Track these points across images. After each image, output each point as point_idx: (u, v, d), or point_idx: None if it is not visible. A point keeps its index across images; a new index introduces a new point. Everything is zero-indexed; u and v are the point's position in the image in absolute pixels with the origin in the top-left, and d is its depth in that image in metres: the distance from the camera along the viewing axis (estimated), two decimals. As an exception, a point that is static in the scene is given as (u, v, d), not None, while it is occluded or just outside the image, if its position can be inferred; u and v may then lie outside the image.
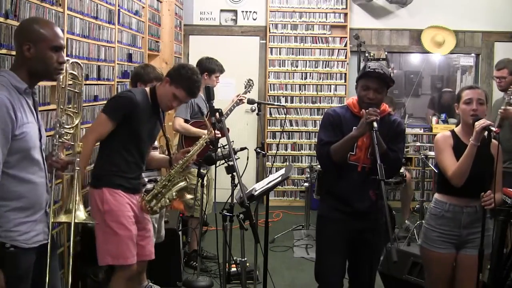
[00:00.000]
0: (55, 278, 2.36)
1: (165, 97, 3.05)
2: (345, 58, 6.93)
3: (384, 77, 2.77)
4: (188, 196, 3.27)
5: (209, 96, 3.09)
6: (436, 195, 3.01)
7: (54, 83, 2.32)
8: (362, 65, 6.52)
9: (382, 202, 2.39)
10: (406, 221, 5.62)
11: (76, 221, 2.26)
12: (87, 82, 3.73)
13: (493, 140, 2.78)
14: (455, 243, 2.91)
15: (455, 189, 2.83)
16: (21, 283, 2.13)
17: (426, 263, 3.05)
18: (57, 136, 2.24)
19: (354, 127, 2.79)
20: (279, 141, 6.83)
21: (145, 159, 3.15)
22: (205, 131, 4.45)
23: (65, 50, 3.29)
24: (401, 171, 5.13)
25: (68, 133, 2.26)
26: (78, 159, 2.29)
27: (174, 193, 3.12)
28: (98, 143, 3.04)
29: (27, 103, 2.11)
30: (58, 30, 2.16)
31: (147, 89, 3.12)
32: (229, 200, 3.03)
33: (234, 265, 3.64)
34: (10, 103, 1.99)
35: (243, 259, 2.98)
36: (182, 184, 3.14)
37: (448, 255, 2.90)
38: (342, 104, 3.03)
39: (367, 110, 2.67)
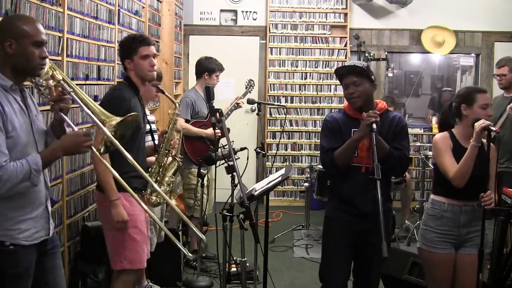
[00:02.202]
0: (58, 277, 2.36)
1: (141, 70, 3.00)
2: (345, 58, 6.92)
3: (354, 68, 2.80)
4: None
5: (209, 96, 3.08)
6: (433, 196, 3.00)
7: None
8: (362, 65, 6.51)
9: (381, 201, 2.39)
10: (406, 221, 5.62)
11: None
12: (87, 82, 3.73)
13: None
14: (454, 243, 2.91)
15: (453, 190, 2.83)
16: (21, 281, 2.12)
17: (427, 266, 3.03)
18: (39, 88, 2.19)
19: (352, 129, 2.81)
20: (279, 141, 6.83)
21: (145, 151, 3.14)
22: (206, 131, 4.50)
23: (64, 49, 3.34)
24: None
25: (46, 79, 2.20)
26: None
27: (170, 178, 3.09)
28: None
29: (15, 100, 2.11)
30: (40, 25, 2.15)
31: (122, 81, 3.09)
32: (229, 200, 3.03)
33: (234, 265, 3.64)
34: None
35: (243, 259, 2.97)
36: (174, 165, 3.13)
37: (448, 255, 2.90)
38: (339, 108, 3.08)
39: (367, 113, 2.67)
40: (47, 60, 2.19)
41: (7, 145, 2.01)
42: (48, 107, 3.07)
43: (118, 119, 2.16)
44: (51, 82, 2.18)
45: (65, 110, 2.19)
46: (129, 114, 2.21)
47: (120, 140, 2.17)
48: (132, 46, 2.98)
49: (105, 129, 2.12)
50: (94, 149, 2.16)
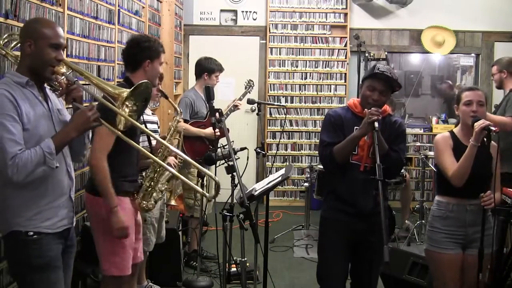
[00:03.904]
0: (68, 276, 2.40)
1: (154, 75, 3.01)
2: (345, 58, 6.93)
3: (392, 80, 2.78)
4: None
5: (209, 96, 3.09)
6: (438, 197, 3.00)
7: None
8: (362, 65, 6.52)
9: (382, 203, 2.39)
10: (406, 221, 5.62)
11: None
12: (88, 82, 3.73)
13: (492, 142, 2.79)
14: (461, 243, 2.90)
15: (456, 189, 2.83)
16: (48, 272, 2.18)
17: (435, 266, 3.01)
18: (50, 85, 2.29)
19: (355, 127, 2.80)
20: (279, 141, 6.83)
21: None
22: (205, 130, 4.50)
23: (64, 49, 3.34)
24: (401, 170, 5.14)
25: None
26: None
27: (164, 184, 3.06)
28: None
29: (33, 94, 2.18)
30: (59, 30, 2.24)
31: (122, 82, 3.04)
32: (229, 200, 3.03)
33: (234, 265, 3.64)
34: (10, 94, 2.08)
35: (243, 259, 2.97)
36: (168, 172, 3.11)
37: (456, 255, 2.90)
38: (343, 105, 3.06)
39: (369, 110, 2.68)
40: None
41: (26, 137, 2.09)
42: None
43: (128, 90, 2.16)
44: (58, 76, 2.24)
45: (78, 98, 2.24)
46: (139, 82, 2.21)
47: (145, 103, 2.23)
48: (158, 49, 2.99)
49: (119, 111, 2.13)
50: (103, 121, 2.19)
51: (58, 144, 2.14)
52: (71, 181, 2.35)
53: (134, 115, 2.17)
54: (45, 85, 2.28)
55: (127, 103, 2.14)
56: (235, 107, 4.73)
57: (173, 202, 3.69)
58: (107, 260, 2.86)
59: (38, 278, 2.16)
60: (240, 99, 4.76)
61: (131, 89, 2.15)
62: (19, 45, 2.28)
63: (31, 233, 2.15)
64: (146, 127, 3.30)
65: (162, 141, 2.58)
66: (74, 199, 3.36)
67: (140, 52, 2.96)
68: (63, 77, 2.21)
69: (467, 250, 2.90)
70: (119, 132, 2.18)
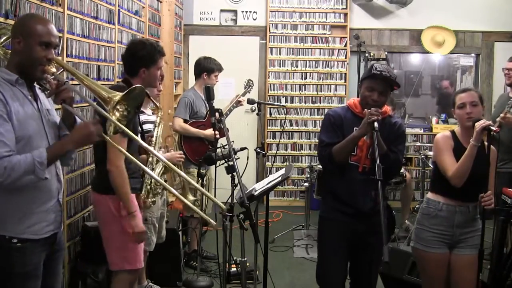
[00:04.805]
0: (57, 282, 2.34)
1: (153, 81, 3.02)
2: (345, 58, 6.92)
3: (390, 80, 2.77)
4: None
5: (209, 96, 3.08)
6: (429, 195, 3.00)
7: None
8: (362, 65, 6.52)
9: (381, 203, 2.40)
10: (406, 221, 5.62)
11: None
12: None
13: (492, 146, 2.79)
14: (448, 243, 2.91)
15: (450, 189, 2.84)
16: (30, 282, 2.11)
17: (422, 265, 3.03)
18: (40, 84, 2.22)
19: (355, 127, 2.79)
20: (279, 141, 6.83)
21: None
22: (204, 131, 4.50)
23: (64, 49, 3.33)
24: (401, 171, 5.14)
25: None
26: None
27: (159, 177, 3.06)
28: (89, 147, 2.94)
29: (23, 93, 2.11)
30: (52, 28, 2.16)
31: (121, 83, 3.03)
32: (229, 200, 3.03)
33: (234, 265, 3.64)
34: None
35: (243, 259, 2.97)
36: (161, 166, 3.15)
37: (443, 255, 2.90)
38: (342, 105, 3.07)
39: (369, 110, 2.67)
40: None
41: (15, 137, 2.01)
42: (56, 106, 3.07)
43: (121, 94, 2.08)
44: (48, 76, 2.17)
45: (68, 100, 2.17)
46: (133, 87, 2.12)
47: (137, 109, 2.16)
48: (154, 58, 2.95)
49: (109, 116, 2.05)
50: (107, 137, 2.12)
51: (52, 155, 2.05)
52: (60, 185, 2.28)
53: (124, 121, 2.08)
54: (35, 84, 2.21)
55: (118, 107, 2.06)
56: (238, 103, 4.73)
57: (190, 197, 3.70)
58: (118, 255, 2.88)
59: (18, 285, 2.08)
60: (241, 96, 4.77)
61: (123, 93, 2.06)
62: (9, 41, 2.19)
63: (15, 241, 2.07)
64: (142, 127, 3.30)
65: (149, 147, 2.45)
66: (73, 199, 3.38)
67: (136, 61, 2.96)
68: (53, 76, 2.14)
69: (454, 250, 2.91)
70: (108, 138, 2.12)
